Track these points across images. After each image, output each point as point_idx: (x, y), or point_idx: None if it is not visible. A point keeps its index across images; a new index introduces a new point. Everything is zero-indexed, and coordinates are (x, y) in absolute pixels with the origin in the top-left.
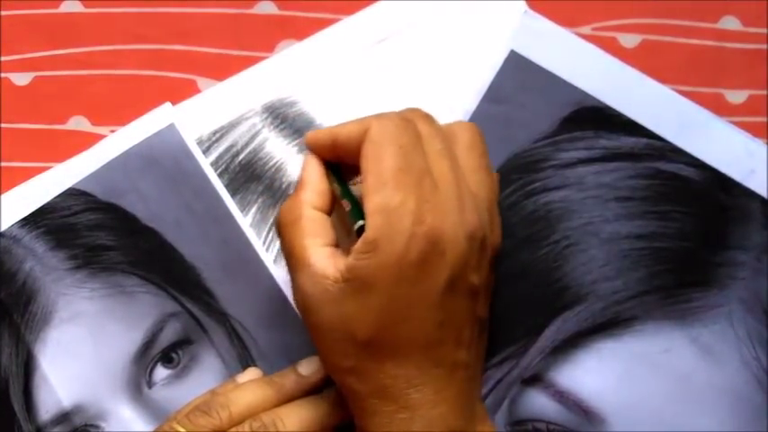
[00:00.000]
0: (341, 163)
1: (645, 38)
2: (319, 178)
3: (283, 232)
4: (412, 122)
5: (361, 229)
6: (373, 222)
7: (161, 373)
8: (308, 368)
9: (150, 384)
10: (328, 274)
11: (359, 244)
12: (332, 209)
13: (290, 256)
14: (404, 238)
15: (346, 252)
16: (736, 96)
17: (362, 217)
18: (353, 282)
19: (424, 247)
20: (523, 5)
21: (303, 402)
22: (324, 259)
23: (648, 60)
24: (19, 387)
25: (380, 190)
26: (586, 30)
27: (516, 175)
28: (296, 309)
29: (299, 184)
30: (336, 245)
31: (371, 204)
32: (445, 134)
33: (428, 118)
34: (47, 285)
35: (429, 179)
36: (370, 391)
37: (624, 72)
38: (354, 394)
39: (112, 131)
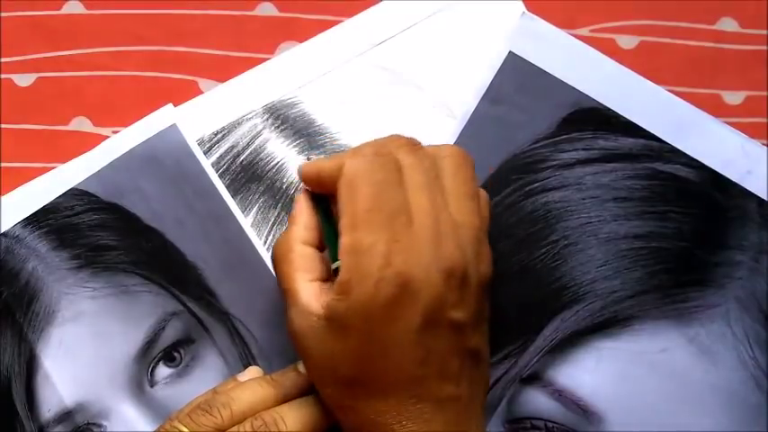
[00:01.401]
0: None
1: (643, 39)
2: (309, 214)
3: (275, 266)
4: (389, 155)
5: (337, 270)
6: (345, 264)
7: (163, 371)
8: None
9: (152, 383)
10: (313, 311)
11: (335, 285)
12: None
13: (282, 289)
14: (372, 281)
15: None
16: (734, 97)
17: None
18: (332, 321)
19: (392, 290)
20: (522, 7)
21: (303, 401)
22: (310, 295)
23: (646, 62)
24: (21, 386)
25: (352, 231)
26: (584, 31)
27: (515, 176)
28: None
29: (290, 218)
30: (328, 279)
31: (343, 246)
32: (430, 161)
33: (410, 146)
34: (49, 285)
35: (403, 217)
36: (358, 425)
37: (622, 73)
38: (344, 427)
39: (115, 132)
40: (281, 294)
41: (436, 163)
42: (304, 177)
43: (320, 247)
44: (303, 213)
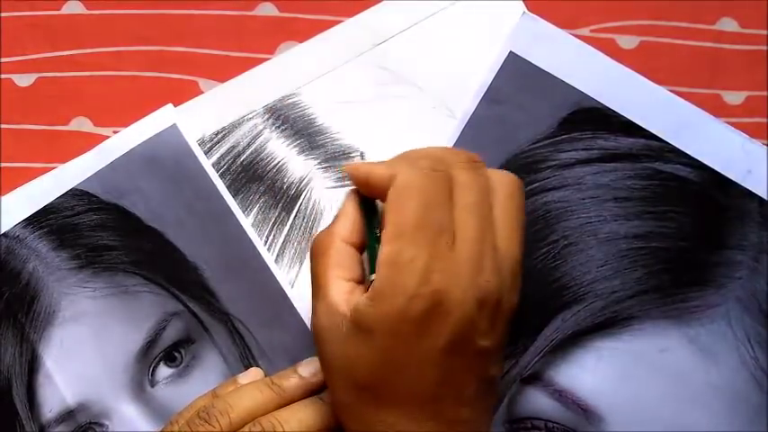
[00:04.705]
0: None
1: (643, 39)
2: (355, 214)
3: (312, 261)
4: (445, 172)
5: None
6: (381, 274)
7: (164, 371)
8: (308, 369)
9: (153, 383)
10: (341, 310)
11: (369, 290)
12: (365, 246)
13: (314, 284)
14: (407, 296)
15: None
16: (734, 97)
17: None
18: (358, 325)
19: (425, 307)
20: (522, 7)
21: (303, 404)
22: (341, 294)
23: (647, 61)
24: (23, 386)
25: (394, 242)
26: (585, 31)
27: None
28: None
29: (336, 215)
30: (361, 281)
31: (383, 255)
32: (484, 182)
33: (468, 163)
34: (50, 285)
35: (448, 236)
36: None
37: (622, 73)
38: None
39: (115, 132)
40: (312, 288)
41: (490, 186)
42: (352, 178)
43: (360, 248)
44: (349, 212)
